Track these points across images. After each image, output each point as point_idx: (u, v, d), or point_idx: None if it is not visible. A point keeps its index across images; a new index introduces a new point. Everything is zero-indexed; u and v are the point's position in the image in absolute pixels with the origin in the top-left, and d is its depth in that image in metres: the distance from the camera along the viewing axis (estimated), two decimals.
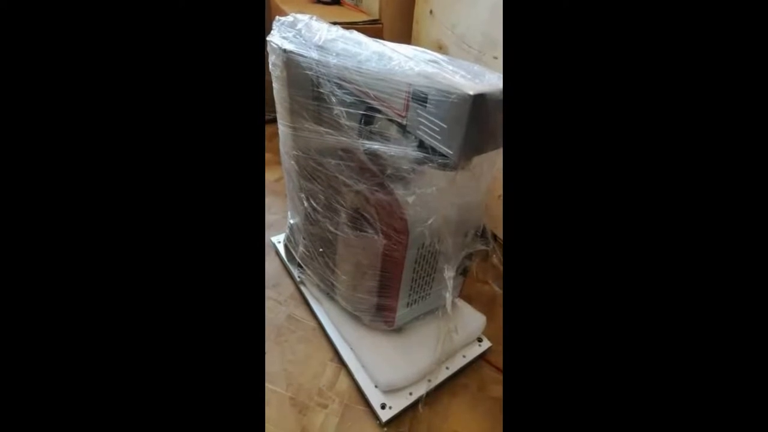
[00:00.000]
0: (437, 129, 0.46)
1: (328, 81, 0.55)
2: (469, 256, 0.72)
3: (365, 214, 0.64)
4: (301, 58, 0.58)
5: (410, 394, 0.70)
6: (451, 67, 0.46)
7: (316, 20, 0.60)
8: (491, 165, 0.56)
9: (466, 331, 0.78)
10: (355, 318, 0.78)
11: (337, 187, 0.66)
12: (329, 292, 0.82)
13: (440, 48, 0.98)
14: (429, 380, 0.72)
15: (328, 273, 0.78)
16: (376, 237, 0.64)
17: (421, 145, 0.50)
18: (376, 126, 0.56)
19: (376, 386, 0.71)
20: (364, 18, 1.10)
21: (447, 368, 0.75)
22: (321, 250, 0.77)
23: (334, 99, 0.55)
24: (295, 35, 0.59)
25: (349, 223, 0.68)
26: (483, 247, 0.69)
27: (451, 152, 0.45)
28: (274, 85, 0.69)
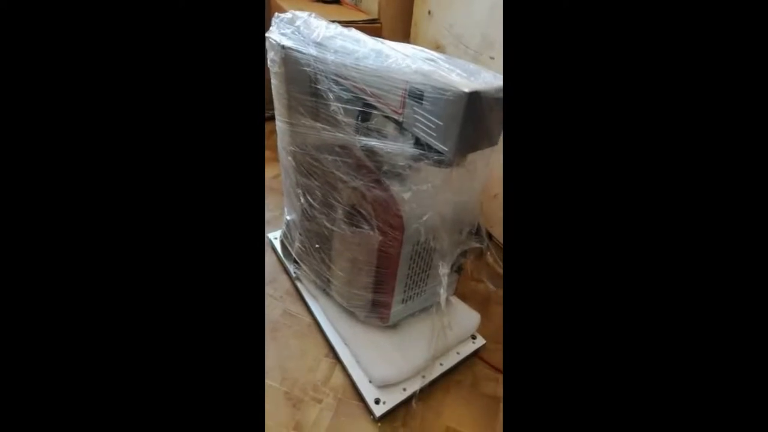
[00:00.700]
0: (433, 126, 0.46)
1: (326, 77, 0.56)
2: (464, 254, 0.72)
3: (361, 211, 0.65)
4: (299, 55, 0.58)
5: (404, 389, 0.71)
6: (447, 66, 0.46)
7: (314, 17, 0.61)
8: (486, 163, 0.56)
9: (460, 328, 0.79)
10: (351, 314, 0.79)
11: (333, 183, 0.67)
12: (325, 288, 0.82)
13: (438, 48, 0.99)
14: (423, 376, 0.72)
15: (324, 269, 0.79)
16: (372, 233, 0.65)
17: (417, 142, 0.51)
18: (373, 123, 0.57)
19: (370, 381, 0.71)
20: (364, 17, 1.11)
21: (441, 365, 0.75)
22: (317, 246, 0.78)
23: (331, 95, 0.56)
24: (294, 32, 0.60)
25: (345, 220, 0.69)
26: (477, 245, 0.70)
27: (446, 149, 0.46)
28: (273, 81, 0.70)
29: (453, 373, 0.77)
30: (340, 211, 0.69)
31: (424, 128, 0.47)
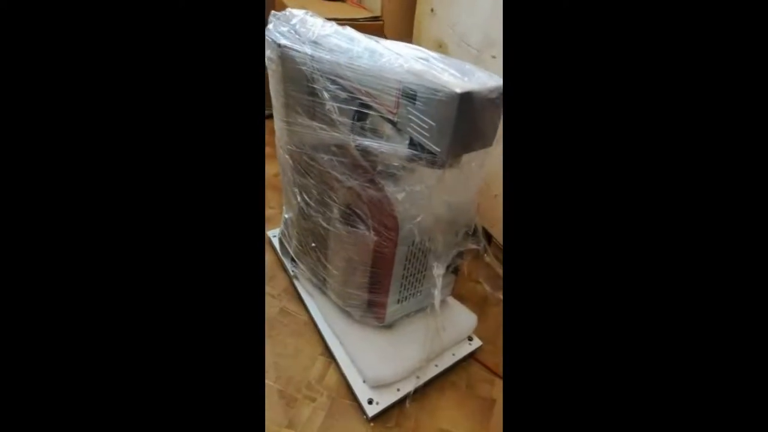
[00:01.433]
0: (426, 126, 0.46)
1: (321, 76, 0.55)
2: (460, 255, 0.72)
3: (357, 211, 0.65)
4: (295, 53, 0.58)
5: (398, 390, 0.70)
6: (441, 65, 0.46)
7: (311, 15, 0.60)
8: (481, 163, 0.56)
9: (456, 329, 0.79)
10: (346, 313, 0.79)
11: (329, 182, 0.67)
12: (321, 287, 0.82)
13: (440, 46, 0.98)
14: (417, 377, 0.72)
15: (320, 268, 0.79)
16: (367, 233, 0.64)
17: (412, 143, 0.50)
18: (368, 123, 0.56)
19: (364, 381, 0.71)
20: (366, 15, 1.10)
21: (436, 365, 0.75)
22: (313, 245, 0.78)
23: (326, 94, 0.56)
24: (290, 30, 0.59)
25: (340, 219, 0.69)
26: (474, 246, 0.69)
27: (439, 150, 0.46)
28: (270, 79, 0.69)
29: (448, 374, 0.77)
30: (335, 211, 0.69)
31: (417, 128, 0.47)
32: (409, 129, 0.48)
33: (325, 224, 0.72)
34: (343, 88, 0.54)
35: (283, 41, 0.59)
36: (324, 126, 0.60)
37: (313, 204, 0.73)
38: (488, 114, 0.45)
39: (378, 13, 1.11)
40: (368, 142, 0.54)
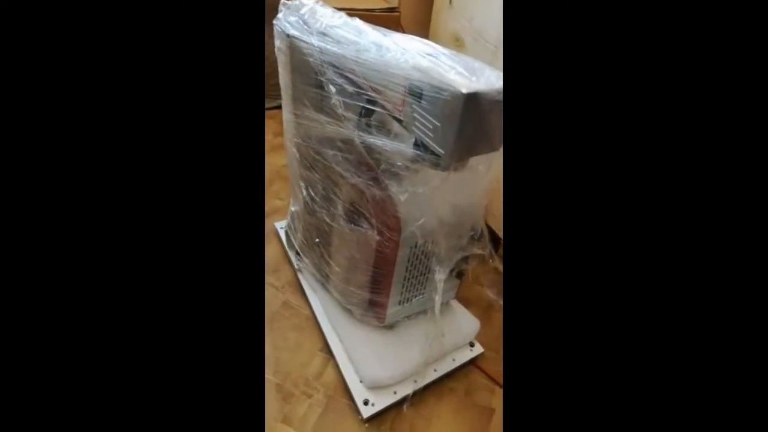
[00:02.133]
0: (431, 126, 0.44)
1: (328, 69, 0.54)
2: (465, 259, 0.70)
3: (360, 209, 0.63)
4: (303, 44, 0.56)
5: (395, 392, 0.69)
6: (448, 63, 0.43)
7: (321, 5, 0.58)
8: (488, 166, 0.53)
9: (457, 334, 0.77)
10: (348, 311, 0.78)
11: (334, 178, 0.65)
12: (324, 282, 0.82)
13: (457, 41, 0.95)
14: (415, 380, 0.71)
15: (323, 264, 0.78)
16: (369, 232, 0.63)
17: (417, 143, 0.48)
18: (374, 119, 0.54)
19: (361, 381, 0.70)
20: (383, 5, 1.07)
21: (435, 370, 0.74)
22: (317, 240, 0.77)
23: (333, 88, 0.54)
24: (299, 20, 0.58)
25: (344, 216, 0.67)
26: (479, 251, 0.67)
27: (442, 152, 0.43)
28: (280, 70, 0.68)
29: (447, 379, 0.75)
30: (340, 207, 0.68)
31: (422, 128, 0.45)
32: (414, 128, 0.46)
33: (329, 220, 0.70)
34: (350, 82, 0.52)
35: (291, 31, 0.58)
36: (330, 120, 0.59)
37: (318, 199, 0.72)
38: (496, 116, 0.42)
39: (395, 5, 1.08)
40: (372, 140, 0.52)
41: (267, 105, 1.49)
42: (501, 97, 0.41)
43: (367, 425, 0.68)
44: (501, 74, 0.44)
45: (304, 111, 0.64)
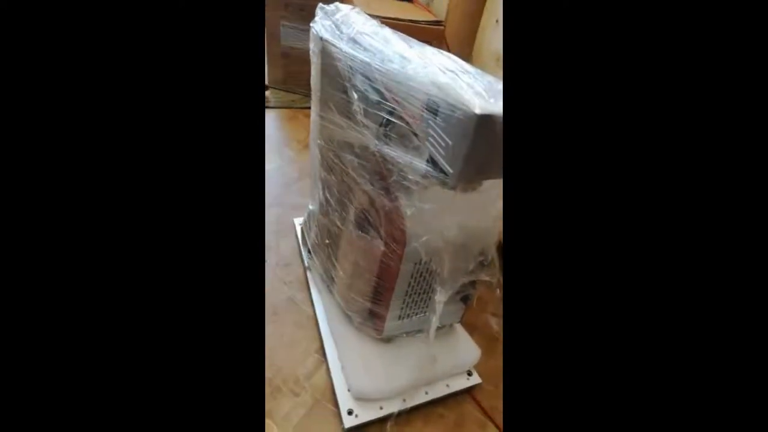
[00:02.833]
0: (443, 144, 0.42)
1: (353, 75, 0.54)
2: (473, 284, 0.67)
3: (370, 217, 0.63)
4: (333, 48, 0.57)
5: (381, 408, 0.68)
6: (469, 80, 0.42)
7: (356, 12, 0.59)
8: (501, 192, 0.51)
9: (455, 359, 0.74)
10: (348, 317, 0.77)
11: (349, 183, 0.65)
12: (329, 285, 0.82)
13: (498, 60, 0.92)
14: (404, 399, 0.69)
15: (330, 266, 0.78)
16: (375, 241, 0.62)
17: (430, 159, 0.47)
18: (391, 129, 0.54)
19: (348, 390, 0.69)
20: (428, 18, 1.07)
21: (426, 392, 0.71)
22: (327, 242, 0.77)
23: (355, 94, 0.54)
24: (332, 24, 0.58)
25: (354, 222, 0.67)
26: (487, 278, 0.64)
27: (451, 171, 0.42)
28: (312, 72, 0.69)
29: (438, 405, 0.72)
30: (351, 213, 0.67)
31: (435, 144, 0.44)
32: (428, 143, 0.45)
33: (339, 224, 0.70)
34: (373, 90, 0.52)
35: (324, 35, 0.59)
36: (351, 125, 0.59)
37: (332, 201, 0.72)
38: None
39: (442, 18, 1.07)
40: (387, 150, 0.52)
41: (302, 105, 1.53)
42: None
43: None
44: None
45: (328, 114, 0.65)
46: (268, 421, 0.67)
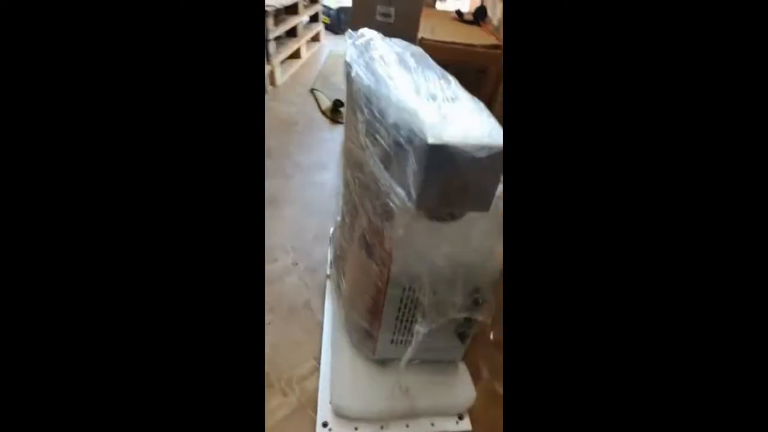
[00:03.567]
0: (408, 170, 0.42)
1: (360, 96, 0.56)
2: (468, 322, 0.63)
3: (367, 236, 0.63)
4: (352, 71, 0.60)
5: (356, 429, 0.67)
6: (448, 109, 0.41)
7: (380, 37, 0.61)
8: (495, 226, 0.47)
9: (445, 398, 0.69)
10: (350, 332, 0.78)
11: (355, 201, 0.67)
12: (339, 297, 0.84)
13: None
14: (382, 427, 0.67)
15: (340, 279, 0.80)
16: (370, 260, 0.63)
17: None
18: (378, 150, 0.54)
19: (330, 402, 0.70)
20: (490, 42, 1.04)
21: (407, 426, 0.68)
22: (338, 253, 0.79)
23: (359, 115, 0.56)
24: (356, 48, 0.62)
25: (358, 239, 0.68)
26: (480, 318, 0.59)
27: (412, 197, 0.41)
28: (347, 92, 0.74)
29: None
30: (357, 230, 0.69)
31: (401, 169, 0.43)
32: (398, 166, 0.45)
33: (348, 239, 0.72)
34: (369, 112, 0.53)
35: (348, 58, 0.62)
36: (358, 145, 0.61)
37: (346, 217, 0.74)
38: (474, 174, 0.38)
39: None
40: (378, 171, 0.53)
41: None
42: (480, 154, 0.37)
43: None
44: (497, 131, 0.39)
45: (348, 131, 0.68)
46: None
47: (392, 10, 1.47)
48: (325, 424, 0.67)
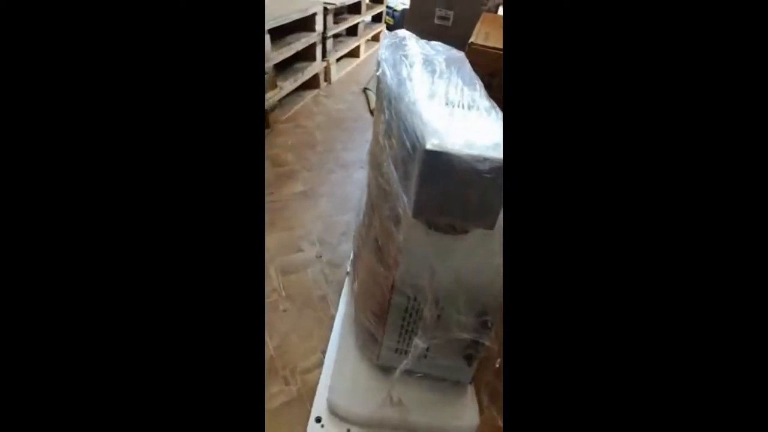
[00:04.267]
0: (412, 176, 0.40)
1: (384, 96, 0.55)
2: (475, 344, 0.59)
3: (379, 239, 0.62)
4: (379, 69, 0.59)
5: (348, 430, 0.66)
6: (457, 115, 0.38)
7: (414, 39, 0.60)
8: (496, 247, 0.44)
9: (444, 418, 0.66)
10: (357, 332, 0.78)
11: (373, 202, 0.66)
12: (352, 295, 0.83)
13: None
14: None
15: (355, 278, 0.80)
16: (380, 264, 0.61)
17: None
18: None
19: (327, 398, 0.70)
20: None
21: None
22: (356, 252, 0.79)
23: (382, 116, 0.55)
24: (390, 47, 0.61)
25: (373, 241, 0.67)
26: (487, 343, 0.56)
27: (407, 203, 0.39)
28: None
29: None
30: (372, 229, 0.68)
31: (408, 174, 0.42)
32: (407, 171, 0.43)
33: (365, 237, 0.72)
34: (388, 113, 0.52)
35: (381, 57, 0.62)
36: (380, 146, 0.60)
37: (366, 216, 0.74)
38: (475, 187, 0.35)
39: None
40: (391, 174, 0.51)
41: None
42: (480, 166, 0.34)
43: None
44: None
45: (375, 130, 0.67)
46: None
47: (451, 14, 1.44)
48: (318, 419, 0.67)
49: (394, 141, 0.50)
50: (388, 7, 2.60)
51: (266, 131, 1.53)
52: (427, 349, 0.66)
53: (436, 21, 1.44)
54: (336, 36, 1.90)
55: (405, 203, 0.45)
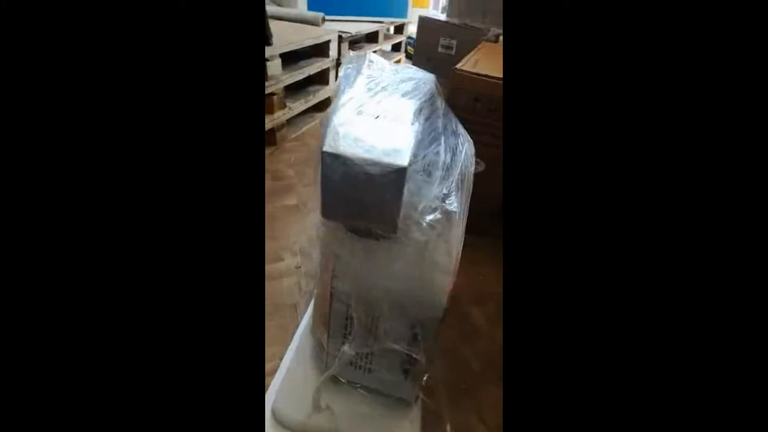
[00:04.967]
0: None
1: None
2: (410, 359, 0.59)
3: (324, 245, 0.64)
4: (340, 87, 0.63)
5: None
6: (370, 125, 0.41)
7: (378, 60, 0.64)
8: (442, 256, 0.45)
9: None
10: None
11: None
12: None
13: None
14: None
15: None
16: (325, 270, 0.63)
17: None
18: None
19: (272, 403, 0.70)
20: None
21: None
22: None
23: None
24: (355, 68, 0.65)
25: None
26: (415, 356, 0.55)
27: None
28: None
29: None
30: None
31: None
32: None
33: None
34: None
35: (341, 76, 0.66)
36: None
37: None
38: (371, 191, 0.37)
39: None
40: None
41: None
42: (373, 170, 0.36)
43: None
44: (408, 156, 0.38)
45: None
46: None
47: (454, 43, 1.50)
48: None
49: None
50: (409, 37, 2.73)
51: (273, 148, 1.61)
52: (371, 362, 0.66)
53: (440, 49, 1.50)
54: None
55: None
